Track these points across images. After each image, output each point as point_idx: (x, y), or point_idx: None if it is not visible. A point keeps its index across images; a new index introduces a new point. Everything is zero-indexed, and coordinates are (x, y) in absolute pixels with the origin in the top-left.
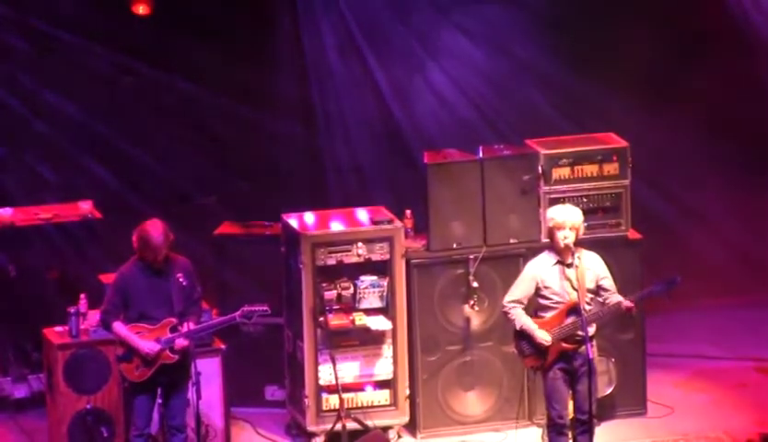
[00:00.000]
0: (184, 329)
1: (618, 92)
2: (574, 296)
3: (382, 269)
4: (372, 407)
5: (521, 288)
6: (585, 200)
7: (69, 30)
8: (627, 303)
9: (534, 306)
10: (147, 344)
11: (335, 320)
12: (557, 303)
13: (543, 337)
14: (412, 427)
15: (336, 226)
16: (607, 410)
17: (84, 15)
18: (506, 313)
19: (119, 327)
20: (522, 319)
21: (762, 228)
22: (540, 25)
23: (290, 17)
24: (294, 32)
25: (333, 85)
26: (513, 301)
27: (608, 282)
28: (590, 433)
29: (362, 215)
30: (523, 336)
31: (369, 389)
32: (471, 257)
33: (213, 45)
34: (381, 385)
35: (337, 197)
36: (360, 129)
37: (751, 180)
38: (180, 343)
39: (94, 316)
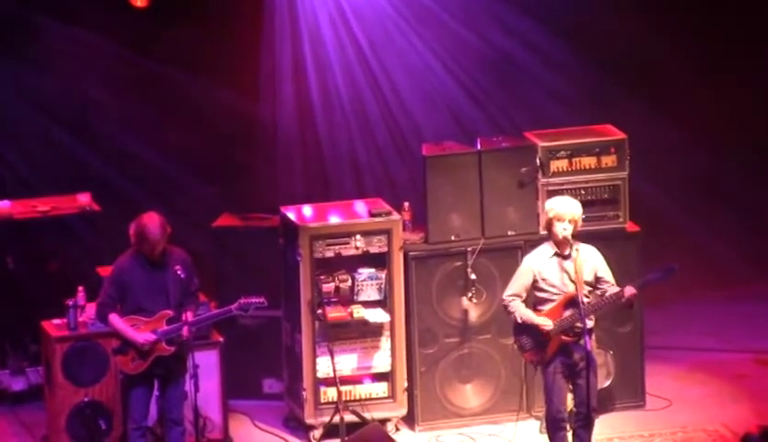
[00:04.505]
0: (183, 320)
1: (616, 83)
2: (571, 288)
3: (380, 261)
4: (370, 399)
5: (520, 282)
6: (583, 192)
7: (67, 23)
8: (630, 291)
9: (532, 299)
10: (143, 335)
11: (333, 313)
12: (555, 295)
13: (543, 322)
14: (410, 420)
15: (334, 219)
16: (605, 402)
17: (82, 7)
18: (505, 307)
19: (115, 319)
20: (521, 311)
21: (761, 220)
22: (538, 16)
23: (289, 8)
24: (292, 24)
25: (332, 77)
26: (512, 295)
27: (606, 274)
28: (590, 426)
29: (360, 207)
30: (523, 330)
31: (367, 381)
32: (470, 249)
33: (211, 36)
34: (379, 377)
35: (336, 189)
36: (359, 121)
37: (751, 173)
38: (184, 333)
39: (92, 308)
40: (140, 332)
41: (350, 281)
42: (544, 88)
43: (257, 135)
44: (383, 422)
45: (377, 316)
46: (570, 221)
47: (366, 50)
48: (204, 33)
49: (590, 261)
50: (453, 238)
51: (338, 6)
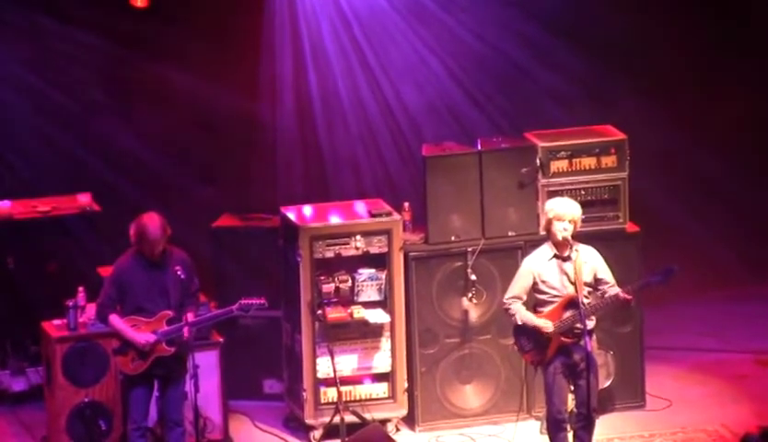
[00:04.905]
0: (184, 321)
1: (617, 83)
2: (571, 289)
3: (380, 262)
4: (370, 400)
5: (520, 284)
6: (583, 192)
7: (67, 24)
8: (624, 294)
9: (532, 301)
10: (143, 336)
11: (333, 313)
12: (555, 297)
13: (544, 324)
14: (410, 420)
15: (334, 219)
16: (606, 403)
17: (82, 8)
18: (506, 309)
19: (115, 319)
20: (521, 313)
21: (761, 221)
22: (538, 15)
23: (289, 9)
24: (292, 24)
25: (332, 77)
26: (512, 297)
27: (606, 274)
28: (591, 427)
29: (360, 207)
30: (523, 332)
31: (368, 381)
32: (470, 250)
33: (211, 37)
34: (379, 378)
35: (335, 190)
36: (358, 122)
37: (751, 173)
38: (185, 333)
39: (92, 309)
40: (140, 333)
41: (350, 281)
42: (544, 89)
43: (257, 136)
44: (383, 422)
45: (377, 316)
46: (570, 221)
47: (365, 50)
48: (205, 34)
49: (590, 263)
50: (453, 238)
51: (338, 7)
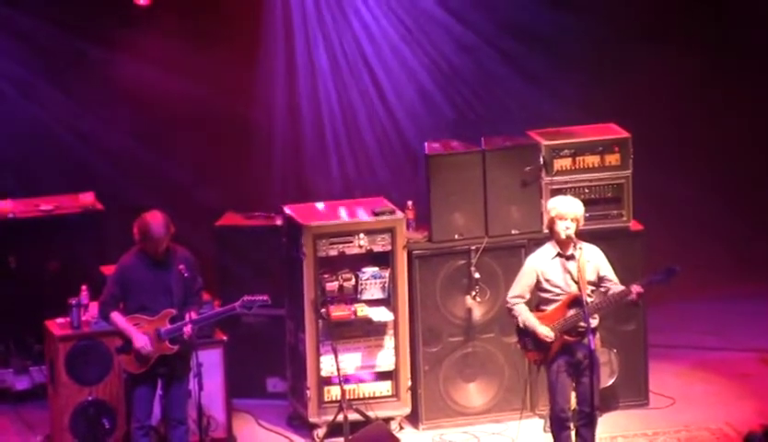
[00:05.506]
0: (187, 319)
1: (617, 83)
2: (575, 288)
3: (384, 260)
4: (374, 398)
5: (523, 283)
6: (586, 191)
7: (66, 28)
8: (637, 288)
9: (536, 299)
10: (141, 340)
11: (337, 312)
12: (558, 296)
13: (546, 333)
14: (413, 418)
15: (338, 218)
16: (609, 401)
17: (82, 9)
18: (509, 309)
19: (117, 318)
20: (525, 316)
21: (761, 220)
22: (535, 13)
23: (283, 17)
24: (285, 30)
25: (323, 82)
26: (515, 297)
27: (609, 273)
28: (593, 425)
29: (363, 206)
30: (526, 332)
31: (370, 377)
32: (473, 248)
33: (209, 42)
34: (383, 376)
35: (334, 190)
36: (354, 125)
37: (752, 171)
38: (188, 331)
39: (96, 307)
40: (139, 336)
41: (354, 279)
42: (537, 96)
43: (254, 138)
44: (387, 420)
45: (380, 314)
46: (572, 220)
47: (358, 58)
48: (203, 39)
49: (593, 261)
50: (457, 236)
51: (332, 15)
